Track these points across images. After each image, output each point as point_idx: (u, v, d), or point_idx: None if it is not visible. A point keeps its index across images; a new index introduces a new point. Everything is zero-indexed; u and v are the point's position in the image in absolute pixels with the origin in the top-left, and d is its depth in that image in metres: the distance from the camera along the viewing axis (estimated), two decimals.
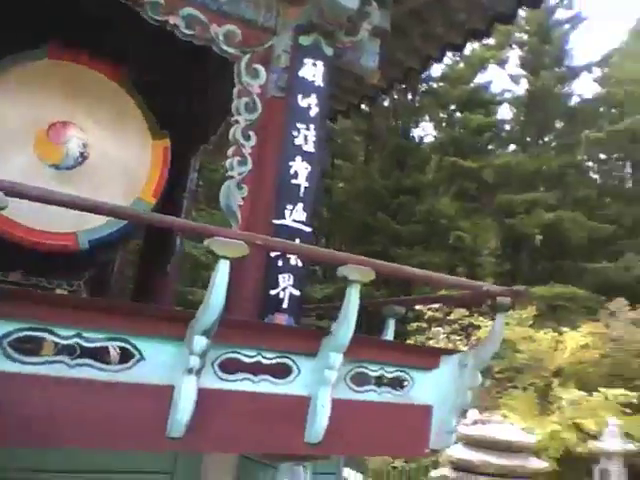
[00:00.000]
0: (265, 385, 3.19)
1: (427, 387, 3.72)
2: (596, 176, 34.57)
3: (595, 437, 12.20)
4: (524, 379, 16.63)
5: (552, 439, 13.41)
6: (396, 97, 30.08)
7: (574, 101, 32.62)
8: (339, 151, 28.18)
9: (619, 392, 14.29)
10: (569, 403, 14.35)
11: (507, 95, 33.30)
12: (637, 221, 28.55)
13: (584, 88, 34.08)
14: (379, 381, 3.63)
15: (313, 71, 4.23)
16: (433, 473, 11.22)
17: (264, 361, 3.20)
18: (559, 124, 32.82)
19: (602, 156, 33.65)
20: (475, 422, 10.82)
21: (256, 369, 3.18)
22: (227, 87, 4.27)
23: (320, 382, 3.26)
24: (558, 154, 29.66)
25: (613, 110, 32.12)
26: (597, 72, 33.23)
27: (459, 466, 10.27)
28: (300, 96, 4.16)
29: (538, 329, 16.99)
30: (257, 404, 3.15)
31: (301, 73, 4.21)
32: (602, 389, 14.46)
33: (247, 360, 3.16)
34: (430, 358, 3.78)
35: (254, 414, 3.15)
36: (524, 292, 3.81)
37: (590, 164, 34.17)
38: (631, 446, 11.70)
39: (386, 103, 30.08)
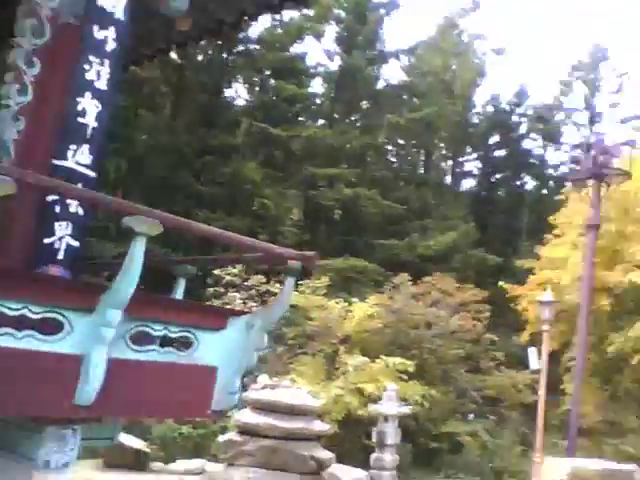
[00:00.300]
0: (30, 342, 2.91)
1: (213, 348, 3.63)
2: (394, 159, 36.91)
3: (375, 401, 13.09)
4: (314, 345, 17.36)
5: (335, 403, 14.22)
6: (210, 53, 29.26)
7: (380, 85, 34.32)
8: (144, 101, 26.65)
9: (398, 360, 15.60)
10: (353, 369, 15.29)
11: (321, 69, 34.04)
12: (423, 205, 31.17)
13: (391, 74, 35.92)
14: (164, 341, 3.46)
15: (113, 1, 3.84)
16: (220, 438, 11.28)
17: (30, 315, 2.89)
18: (366, 105, 34.33)
19: (400, 141, 35.97)
20: (264, 387, 11.05)
21: (21, 324, 2.85)
22: (13, 5, 3.73)
23: (95, 340, 3.04)
24: (362, 134, 31.02)
25: (414, 99, 34.33)
26: (404, 60, 35.25)
27: (245, 430, 10.43)
28: (96, 27, 3.75)
29: (330, 298, 17.78)
30: (18, 362, 2.86)
31: (100, 2, 3.80)
32: (383, 356, 15.63)
33: (10, 314, 2.84)
34: (217, 319, 3.69)
35: (14, 373, 2.86)
36: (313, 257, 3.84)
37: (390, 147, 36.36)
38: (406, 409, 12.76)
39: (200, 58, 29.18)
